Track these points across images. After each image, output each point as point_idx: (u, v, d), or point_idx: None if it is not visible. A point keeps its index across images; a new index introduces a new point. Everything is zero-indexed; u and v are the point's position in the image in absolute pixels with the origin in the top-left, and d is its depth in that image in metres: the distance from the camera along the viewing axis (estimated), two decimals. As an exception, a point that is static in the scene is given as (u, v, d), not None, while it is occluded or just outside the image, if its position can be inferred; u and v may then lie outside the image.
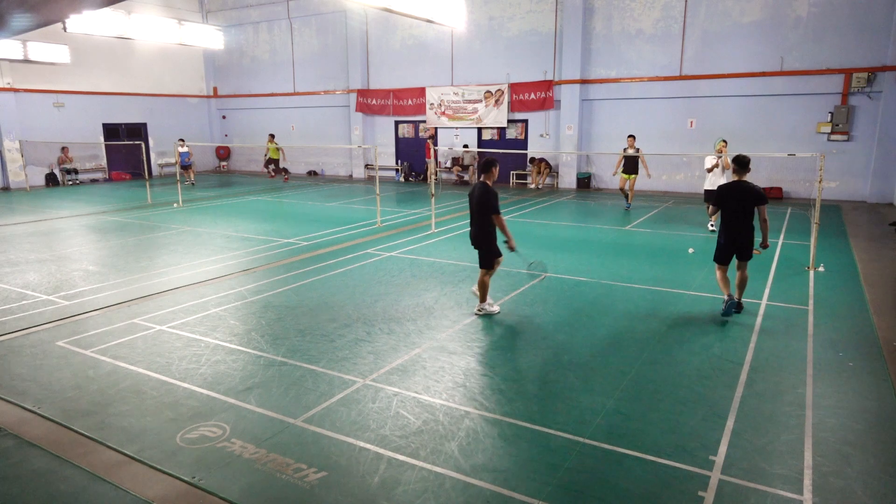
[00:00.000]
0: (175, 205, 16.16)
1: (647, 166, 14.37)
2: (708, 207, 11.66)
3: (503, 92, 20.13)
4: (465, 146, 21.21)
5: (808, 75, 15.93)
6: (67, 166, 21.99)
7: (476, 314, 6.90)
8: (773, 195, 16.67)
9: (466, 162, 21.58)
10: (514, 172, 20.84)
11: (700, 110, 17.56)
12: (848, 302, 7.30)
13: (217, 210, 15.48)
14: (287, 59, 25.02)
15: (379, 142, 23.46)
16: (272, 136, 22.86)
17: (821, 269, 8.74)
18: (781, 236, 11.30)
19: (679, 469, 3.86)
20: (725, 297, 6.74)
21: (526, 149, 20.34)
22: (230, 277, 8.72)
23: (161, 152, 25.32)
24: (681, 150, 17.65)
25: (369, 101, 23.00)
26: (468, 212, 6.98)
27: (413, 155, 23.14)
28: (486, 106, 20.57)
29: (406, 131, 23.26)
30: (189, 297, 7.73)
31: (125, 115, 24.02)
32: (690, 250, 10.02)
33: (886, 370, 5.33)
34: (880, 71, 15.10)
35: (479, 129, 21.34)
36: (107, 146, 23.31)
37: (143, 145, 19.73)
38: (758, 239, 6.76)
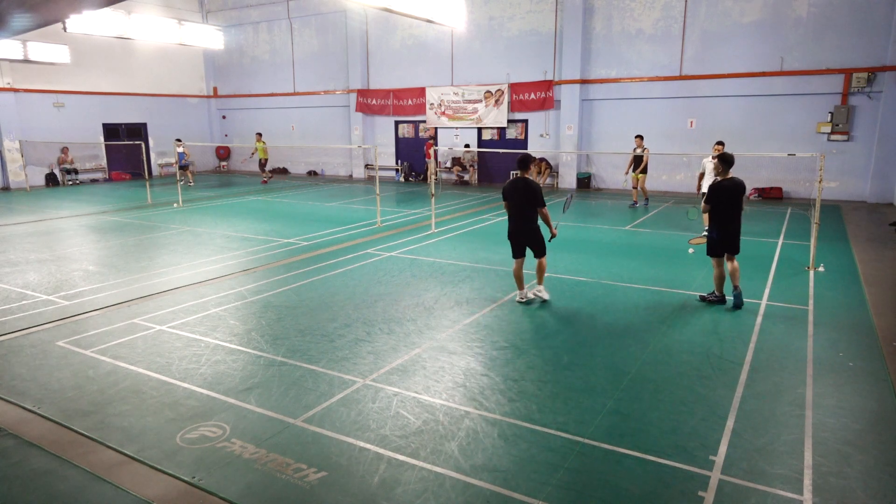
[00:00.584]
0: (175, 205, 16.16)
1: (645, 165, 14.73)
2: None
3: (503, 92, 20.13)
4: (467, 146, 21.21)
5: (808, 75, 15.93)
6: (67, 166, 21.99)
7: (536, 295, 7.38)
8: (774, 195, 16.69)
9: (466, 162, 21.59)
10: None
11: (700, 110, 17.56)
12: (848, 302, 7.30)
13: (217, 210, 15.48)
14: (287, 59, 25.03)
15: (379, 142, 23.46)
16: (259, 134, 22.83)
17: (821, 269, 8.74)
18: (781, 236, 11.30)
19: (679, 469, 3.86)
20: (717, 294, 7.17)
21: (526, 149, 20.32)
22: (230, 277, 8.72)
23: (161, 152, 25.30)
24: (681, 150, 17.66)
25: (369, 101, 23.00)
26: (508, 209, 7.22)
27: (413, 155, 23.15)
28: (486, 106, 20.57)
29: (406, 131, 23.26)
30: (189, 297, 7.73)
31: (125, 115, 24.02)
32: (690, 251, 10.03)
33: (886, 370, 5.33)
34: (880, 71, 15.11)
35: (479, 129, 21.34)
36: (107, 146, 23.31)
37: (143, 145, 19.72)
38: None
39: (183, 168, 21.09)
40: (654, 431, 4.32)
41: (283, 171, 26.22)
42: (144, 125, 24.74)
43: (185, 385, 5.15)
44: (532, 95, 19.77)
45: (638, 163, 14.54)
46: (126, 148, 23.25)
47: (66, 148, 21.90)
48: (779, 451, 4.06)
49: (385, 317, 6.89)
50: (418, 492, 3.65)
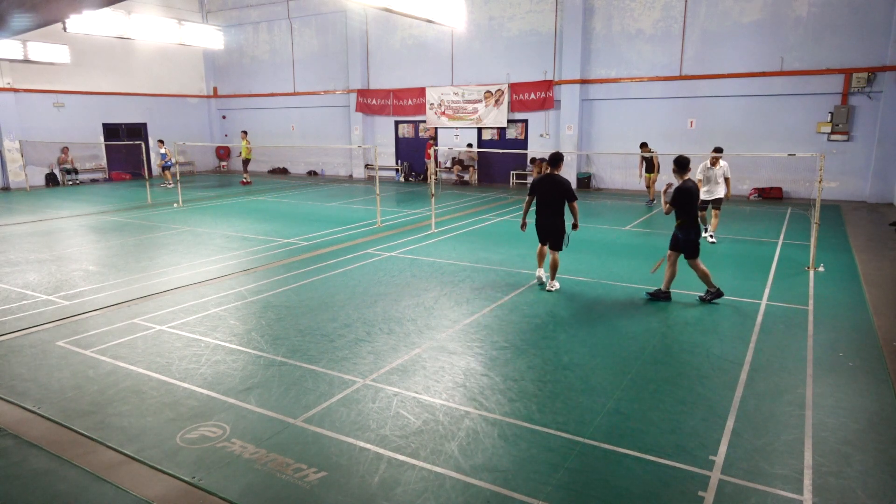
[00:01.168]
0: (175, 205, 16.16)
1: (658, 166, 15.34)
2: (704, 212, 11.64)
3: (503, 92, 20.13)
4: (469, 145, 21.20)
5: (808, 75, 15.92)
6: (67, 166, 21.99)
7: (549, 291, 7.79)
8: (774, 195, 16.70)
9: (466, 162, 21.59)
10: (515, 172, 20.84)
11: (700, 110, 17.56)
12: (848, 302, 7.30)
13: (217, 210, 15.48)
14: (287, 59, 25.02)
15: (379, 142, 23.45)
16: (245, 132, 22.76)
17: (821, 269, 8.74)
18: (781, 236, 11.30)
19: (679, 469, 3.86)
20: (711, 290, 7.32)
21: (526, 149, 20.32)
22: (230, 277, 8.72)
23: (161, 152, 25.26)
24: (681, 150, 17.56)
25: (369, 101, 23.00)
26: (536, 202, 7.83)
27: (413, 155, 23.14)
28: (486, 106, 20.57)
29: (406, 131, 23.26)
30: (189, 297, 7.73)
31: (125, 115, 24.01)
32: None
33: (886, 370, 5.33)
34: (880, 71, 15.10)
35: (479, 129, 21.33)
36: (107, 146, 23.31)
37: (143, 145, 19.73)
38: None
39: (165, 168, 21.09)
40: (654, 431, 4.32)
41: (284, 171, 26.23)
42: (144, 125, 24.73)
43: (185, 385, 5.15)
44: (532, 95, 19.77)
45: (649, 164, 15.34)
46: (126, 148, 23.26)
47: (66, 148, 21.89)
48: (779, 450, 4.06)
49: (385, 317, 6.89)
50: (418, 492, 3.65)
